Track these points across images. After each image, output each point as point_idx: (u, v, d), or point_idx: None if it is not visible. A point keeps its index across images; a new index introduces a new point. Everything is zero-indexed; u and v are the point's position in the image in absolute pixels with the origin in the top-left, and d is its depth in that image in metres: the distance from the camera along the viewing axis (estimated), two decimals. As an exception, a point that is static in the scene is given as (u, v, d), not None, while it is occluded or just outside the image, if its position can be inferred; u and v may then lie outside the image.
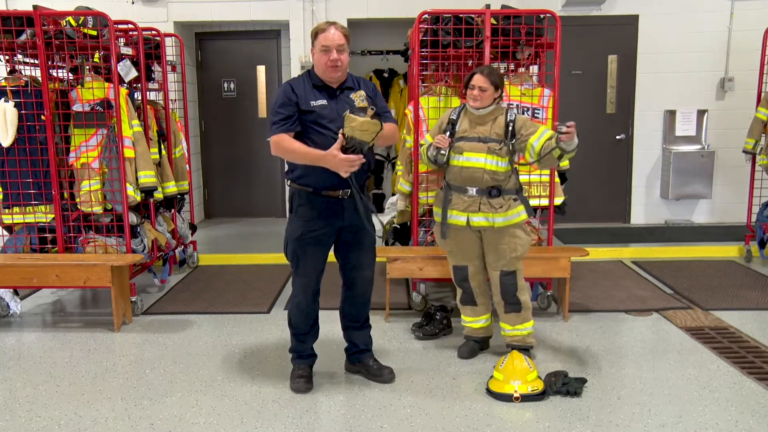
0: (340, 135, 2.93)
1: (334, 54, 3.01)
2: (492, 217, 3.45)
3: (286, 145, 3.04)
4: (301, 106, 3.05)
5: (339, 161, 2.92)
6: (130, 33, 5.04)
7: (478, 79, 3.42)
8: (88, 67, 4.60)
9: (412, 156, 4.46)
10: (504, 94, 3.47)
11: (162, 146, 5.17)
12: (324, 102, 3.07)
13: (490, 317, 3.77)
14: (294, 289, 3.31)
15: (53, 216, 4.60)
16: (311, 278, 3.23)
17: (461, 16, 4.42)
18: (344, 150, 2.92)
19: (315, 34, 3.06)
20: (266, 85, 7.89)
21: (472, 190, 3.47)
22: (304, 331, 3.33)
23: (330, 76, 3.08)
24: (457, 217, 3.53)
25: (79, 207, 4.57)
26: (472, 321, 3.74)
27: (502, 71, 4.99)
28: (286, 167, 3.23)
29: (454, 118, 3.59)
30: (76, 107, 4.51)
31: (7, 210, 4.61)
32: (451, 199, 3.53)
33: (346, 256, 3.29)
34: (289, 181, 3.22)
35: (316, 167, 3.03)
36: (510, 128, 3.43)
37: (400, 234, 4.97)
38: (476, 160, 3.43)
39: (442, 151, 3.49)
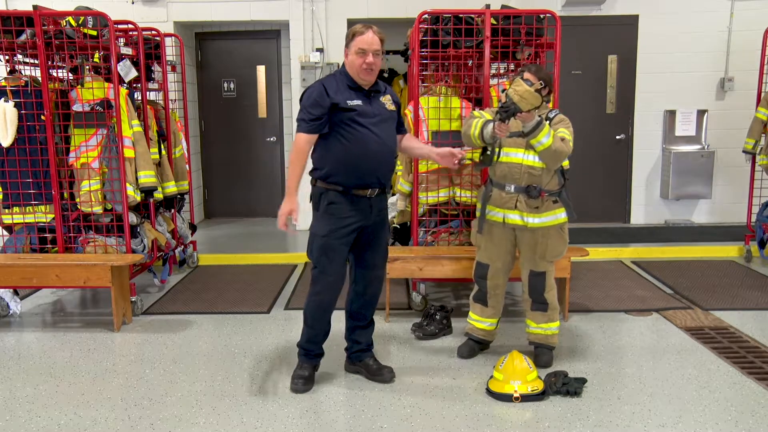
0: (502, 94, 3.05)
1: (369, 57, 3.04)
2: (526, 216, 3.42)
3: (299, 153, 3.07)
4: (340, 104, 3.05)
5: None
6: (130, 33, 5.04)
7: (525, 75, 3.38)
8: (88, 67, 4.60)
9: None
10: (550, 91, 3.46)
11: (162, 146, 5.17)
12: (360, 102, 3.10)
13: (496, 323, 3.73)
14: (317, 287, 3.25)
15: (53, 216, 4.60)
16: (339, 275, 3.23)
17: (461, 16, 4.42)
18: (499, 110, 3.03)
19: (351, 36, 3.07)
20: (266, 85, 7.89)
21: (511, 187, 3.43)
22: (320, 329, 3.32)
23: (363, 79, 3.10)
24: (494, 213, 3.51)
25: (79, 207, 4.58)
26: (477, 320, 3.72)
27: (496, 71, 5.02)
28: (313, 166, 3.20)
29: None
30: (76, 107, 4.51)
31: (7, 210, 4.61)
32: (491, 195, 3.52)
33: (363, 255, 3.31)
34: (314, 180, 3.19)
35: (346, 166, 3.08)
36: (548, 124, 3.37)
37: (400, 234, 4.97)
38: (515, 155, 3.41)
39: (497, 146, 3.36)
